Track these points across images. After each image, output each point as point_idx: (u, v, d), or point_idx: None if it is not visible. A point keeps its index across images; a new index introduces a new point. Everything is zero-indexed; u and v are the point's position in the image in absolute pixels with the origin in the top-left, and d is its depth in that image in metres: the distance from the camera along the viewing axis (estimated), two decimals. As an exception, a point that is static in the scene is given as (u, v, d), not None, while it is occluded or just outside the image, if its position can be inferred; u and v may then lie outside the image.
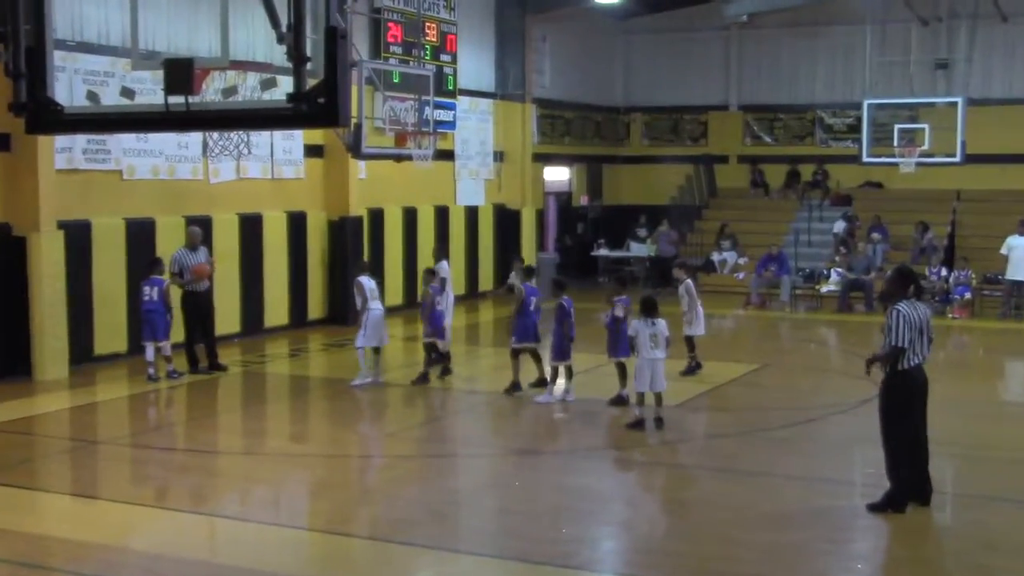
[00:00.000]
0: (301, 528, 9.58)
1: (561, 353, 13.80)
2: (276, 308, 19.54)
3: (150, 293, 15.09)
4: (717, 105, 30.58)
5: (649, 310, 12.39)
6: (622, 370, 13.42)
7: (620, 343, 13.25)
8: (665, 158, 30.81)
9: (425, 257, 22.03)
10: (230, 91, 8.01)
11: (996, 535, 9.18)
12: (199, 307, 15.80)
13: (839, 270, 23.92)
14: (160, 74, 7.25)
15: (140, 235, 17.03)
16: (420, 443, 12.55)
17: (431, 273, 15.27)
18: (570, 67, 28.89)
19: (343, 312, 20.31)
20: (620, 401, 13.42)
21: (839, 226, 26.21)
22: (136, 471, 11.33)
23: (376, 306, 15.05)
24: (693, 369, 15.37)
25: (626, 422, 12.46)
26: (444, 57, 23.26)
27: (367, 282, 15.09)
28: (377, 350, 15.21)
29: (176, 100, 7.20)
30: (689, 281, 15.44)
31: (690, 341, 15.34)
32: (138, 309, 15.38)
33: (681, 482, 10.85)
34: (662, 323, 12.37)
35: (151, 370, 15.10)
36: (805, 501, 10.14)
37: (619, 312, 13.48)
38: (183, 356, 15.66)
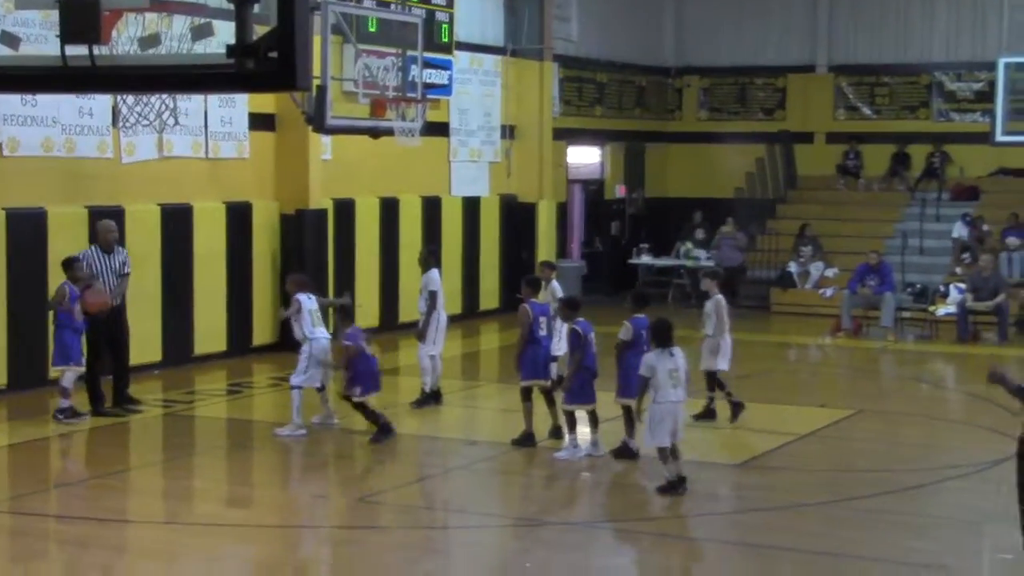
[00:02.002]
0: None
1: (577, 394, 13.74)
2: (210, 331, 19.57)
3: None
4: (800, 66, 30.62)
5: (663, 338, 12.35)
6: (627, 414, 13.51)
7: (629, 379, 13.27)
8: (729, 136, 30.87)
9: (409, 263, 22.06)
10: (150, 40, 8.01)
11: None
12: (108, 326, 15.85)
13: (960, 286, 23.88)
14: (54, 16, 7.26)
15: (25, 230, 17.07)
16: (400, 510, 12.52)
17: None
18: (605, 14, 28.97)
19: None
20: (626, 453, 13.58)
21: (959, 230, 26.19)
22: (17, 546, 11.32)
23: (320, 333, 15.05)
24: (713, 412, 15.49)
25: (656, 486, 12.46)
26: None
27: (307, 302, 15.08)
28: (321, 389, 15.25)
29: (76, 51, 7.20)
30: (720, 296, 15.55)
31: (713, 377, 15.44)
32: (39, 325, 15.43)
33: (742, 567, 10.82)
34: (680, 354, 12.39)
35: (65, 403, 15.14)
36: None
37: (624, 335, 13.59)
38: (82, 391, 15.68)
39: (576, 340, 13.63)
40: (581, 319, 13.84)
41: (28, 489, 13.07)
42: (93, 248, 15.91)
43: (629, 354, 13.35)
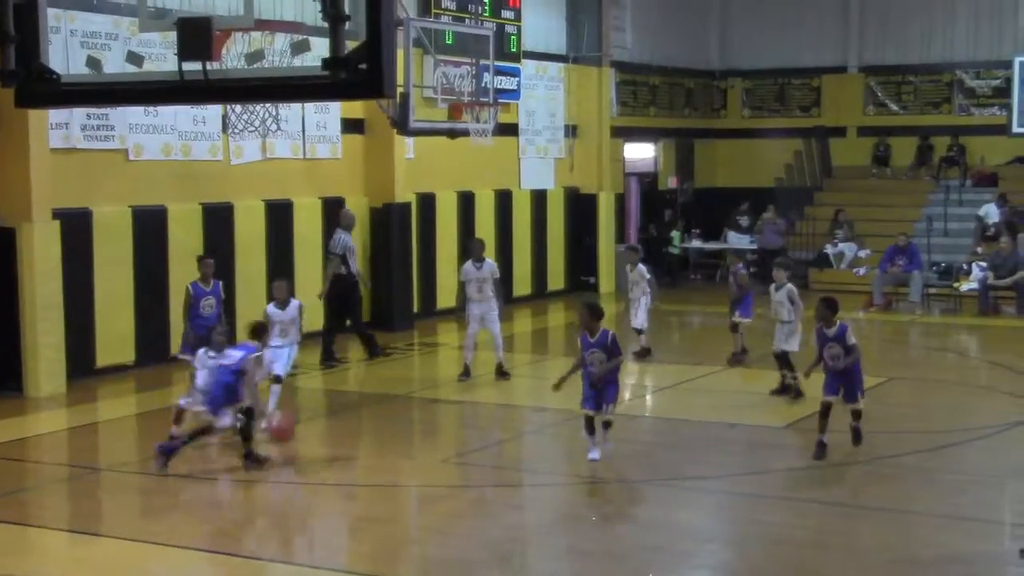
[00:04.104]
0: (337, 570, 9.64)
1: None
2: (310, 311, 19.60)
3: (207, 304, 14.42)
4: (833, 67, 30.29)
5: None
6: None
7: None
8: (770, 131, 30.61)
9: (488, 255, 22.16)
10: (255, 56, 8.05)
11: None
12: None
13: (982, 264, 23.57)
14: (172, 36, 7.33)
15: (149, 225, 17.27)
16: (478, 470, 12.58)
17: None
18: (656, 24, 28.79)
19: (388, 315, 20.45)
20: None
21: (988, 209, 25.76)
22: (146, 503, 11.48)
23: (275, 342, 13.61)
24: (788, 388, 15.00)
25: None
26: (506, 14, 23.30)
27: (275, 314, 13.73)
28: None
29: (191, 67, 7.27)
30: (791, 285, 15.05)
31: (785, 357, 14.94)
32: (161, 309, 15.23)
33: (792, 518, 10.75)
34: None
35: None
36: (942, 544, 10.00)
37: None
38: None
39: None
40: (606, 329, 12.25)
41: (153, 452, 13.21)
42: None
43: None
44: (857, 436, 12.50)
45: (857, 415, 12.48)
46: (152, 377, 16.56)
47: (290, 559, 9.90)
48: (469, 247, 17.23)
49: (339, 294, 17.88)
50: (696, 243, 28.50)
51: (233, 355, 12.03)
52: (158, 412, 14.95)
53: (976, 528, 10.41)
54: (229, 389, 11.83)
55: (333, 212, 20.07)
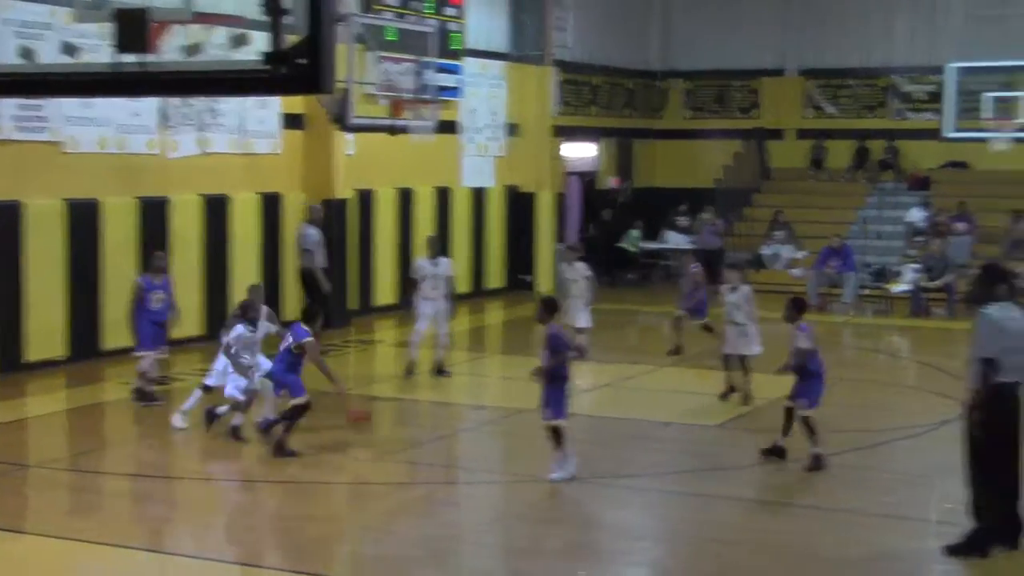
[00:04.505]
0: (272, 568, 9.61)
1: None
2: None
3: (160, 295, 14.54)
4: (772, 70, 30.55)
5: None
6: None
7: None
8: (709, 133, 30.80)
9: (423, 252, 22.11)
10: (193, 49, 8.00)
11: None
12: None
13: (914, 267, 23.88)
14: (108, 27, 7.26)
15: (82, 219, 17.09)
16: (415, 468, 12.58)
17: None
18: (598, 24, 28.88)
19: (326, 312, 20.29)
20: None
21: (914, 214, 26.16)
22: (75, 500, 11.38)
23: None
24: (735, 392, 14.95)
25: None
26: (449, 11, 23.29)
27: (240, 330, 13.20)
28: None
29: (128, 59, 7.21)
30: (747, 287, 14.87)
31: (742, 361, 14.78)
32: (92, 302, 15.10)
33: (724, 517, 10.85)
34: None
35: (145, 385, 14.51)
36: (870, 541, 10.13)
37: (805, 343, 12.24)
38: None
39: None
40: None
41: (85, 447, 13.12)
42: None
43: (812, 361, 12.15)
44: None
45: (790, 415, 12.21)
46: (84, 372, 16.40)
47: (224, 557, 9.85)
48: (427, 243, 17.11)
49: (308, 287, 18.05)
50: (623, 244, 28.59)
51: (289, 338, 12.39)
52: (89, 408, 14.84)
53: (904, 526, 10.56)
54: (293, 368, 12.30)
55: (271, 208, 20.02)
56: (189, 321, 18.14)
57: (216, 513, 11.12)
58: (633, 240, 28.12)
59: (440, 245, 16.75)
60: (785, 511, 10.99)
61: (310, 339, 12.36)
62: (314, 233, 18.95)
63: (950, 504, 10.27)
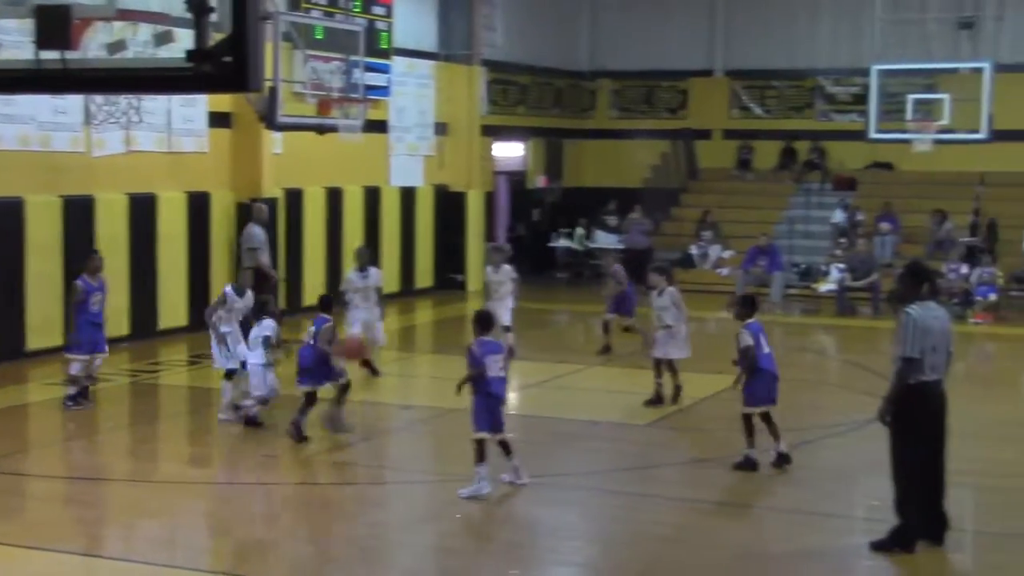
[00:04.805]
0: (200, 570, 9.51)
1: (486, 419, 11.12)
2: (172, 307, 19.39)
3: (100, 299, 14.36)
4: (699, 70, 30.74)
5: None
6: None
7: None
8: (637, 133, 30.94)
9: (352, 247, 22.00)
10: (117, 46, 7.89)
11: (1020, 579, 9.32)
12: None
13: (840, 266, 24.14)
14: (29, 23, 7.14)
15: (5, 218, 16.82)
16: (344, 468, 12.51)
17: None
18: (527, 23, 28.91)
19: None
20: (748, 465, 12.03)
21: (838, 216, 26.46)
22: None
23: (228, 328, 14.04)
24: (674, 397, 14.78)
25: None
26: (377, 10, 23.19)
27: (233, 297, 14.06)
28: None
29: (50, 55, 7.09)
30: (673, 289, 14.70)
31: (670, 365, 14.62)
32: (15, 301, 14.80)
33: (653, 515, 10.88)
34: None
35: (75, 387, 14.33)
36: (797, 539, 10.21)
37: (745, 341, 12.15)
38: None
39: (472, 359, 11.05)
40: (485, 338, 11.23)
41: (9, 449, 12.91)
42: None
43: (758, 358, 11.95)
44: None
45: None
46: (8, 374, 16.14)
47: (151, 559, 9.72)
48: (355, 255, 16.78)
49: (256, 287, 17.91)
50: (564, 242, 28.68)
51: (312, 330, 12.90)
52: (11, 410, 14.60)
53: (830, 523, 10.66)
54: (323, 360, 12.78)
55: (199, 207, 19.85)
56: (116, 322, 17.93)
57: (144, 516, 10.97)
58: (579, 238, 28.15)
59: (368, 256, 16.60)
60: (714, 509, 11.05)
61: (329, 324, 12.88)
62: (260, 232, 18.88)
63: (876, 501, 10.38)
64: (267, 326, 13.33)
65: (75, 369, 14.23)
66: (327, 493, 11.57)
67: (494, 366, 10.88)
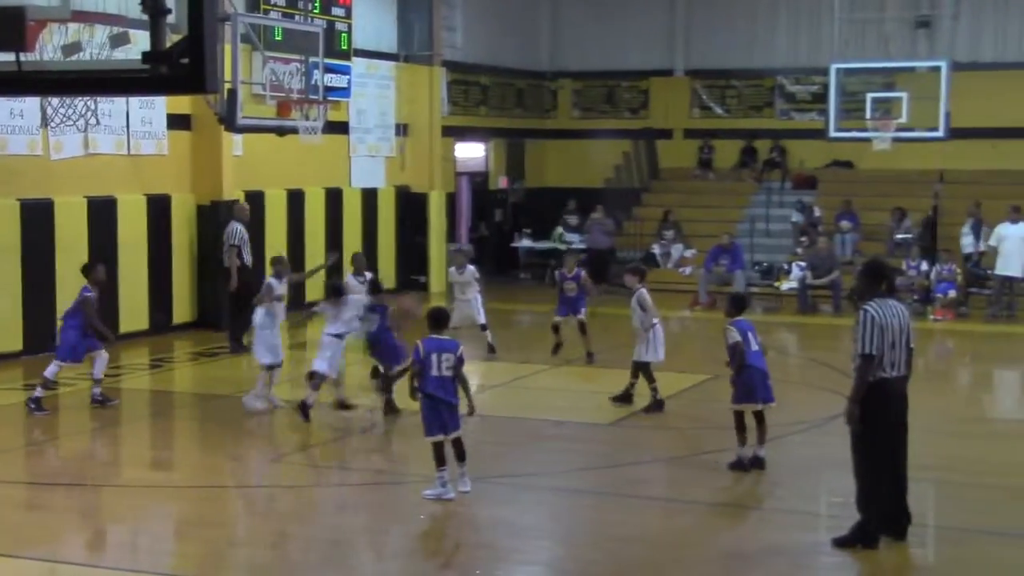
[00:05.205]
0: (164, 575, 9.45)
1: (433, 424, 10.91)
2: (133, 311, 19.26)
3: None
4: (660, 70, 30.81)
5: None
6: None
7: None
8: (599, 133, 30.98)
9: (314, 253, 21.97)
10: (72, 48, 7.85)
11: (980, 574, 9.35)
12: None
13: (801, 264, 24.25)
14: (-16, 26, 7.06)
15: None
16: (305, 470, 12.46)
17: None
18: (487, 24, 28.90)
19: (215, 315, 20.07)
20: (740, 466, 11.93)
21: (795, 216, 26.62)
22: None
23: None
24: (630, 397, 14.65)
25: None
26: (336, 11, 23.11)
27: (275, 285, 14.68)
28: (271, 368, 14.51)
29: (5, 58, 7.03)
30: (643, 290, 14.62)
31: (646, 368, 14.43)
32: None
33: (619, 515, 10.88)
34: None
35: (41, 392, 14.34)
36: (760, 535, 10.24)
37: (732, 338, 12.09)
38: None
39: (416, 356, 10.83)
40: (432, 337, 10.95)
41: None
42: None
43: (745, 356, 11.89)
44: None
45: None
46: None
47: (113, 564, 9.64)
48: (351, 260, 16.96)
49: (241, 283, 18.11)
50: (527, 242, 28.68)
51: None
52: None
53: (793, 519, 10.70)
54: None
55: (159, 210, 19.74)
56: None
57: (105, 520, 10.89)
58: (558, 237, 28.05)
59: (366, 261, 16.91)
60: (679, 507, 11.06)
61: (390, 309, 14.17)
62: (241, 230, 18.79)
63: (838, 497, 10.43)
64: (357, 301, 14.07)
65: (51, 372, 14.27)
66: (292, 496, 11.52)
67: (440, 365, 10.66)
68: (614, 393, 14.80)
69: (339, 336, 13.92)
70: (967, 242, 24.09)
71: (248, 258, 18.84)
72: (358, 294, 15.69)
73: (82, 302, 14.38)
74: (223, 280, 18.88)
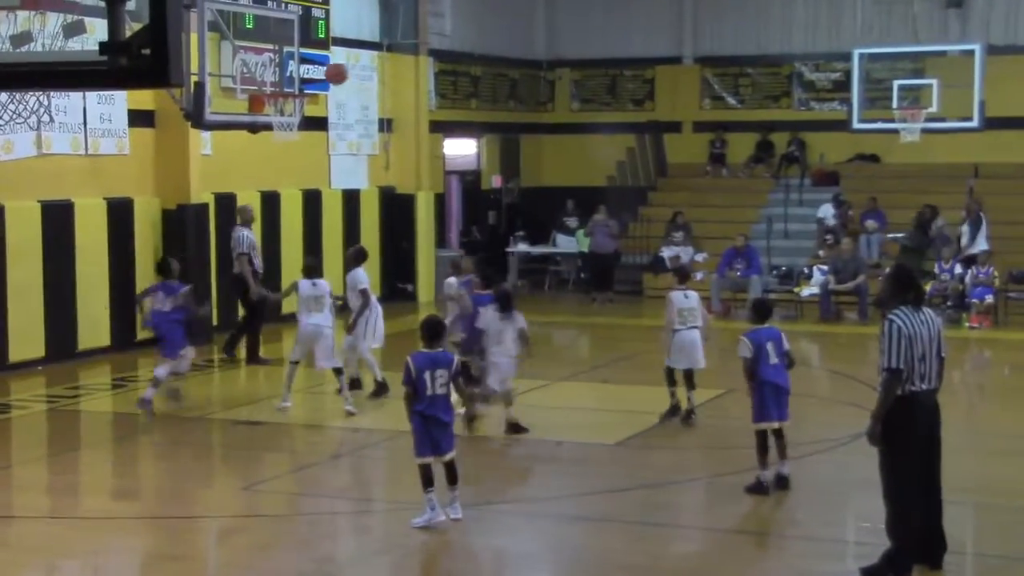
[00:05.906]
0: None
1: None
2: (93, 325, 19.24)
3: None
4: (667, 58, 30.85)
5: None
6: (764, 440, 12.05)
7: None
8: (601, 126, 31.02)
9: (292, 259, 21.94)
10: (22, 38, 7.84)
11: (1024, 604, 9.36)
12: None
13: (823, 268, 24.24)
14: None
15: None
16: (286, 498, 12.44)
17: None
18: (478, 9, 28.95)
19: (189, 328, 20.05)
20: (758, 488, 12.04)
21: (825, 211, 26.53)
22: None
23: (305, 319, 15.56)
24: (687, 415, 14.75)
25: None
26: (313, -5, 23.16)
27: (304, 286, 15.70)
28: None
29: (-51, 50, 7.03)
30: (670, 293, 14.87)
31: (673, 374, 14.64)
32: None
33: (624, 542, 10.86)
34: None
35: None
36: (780, 565, 10.23)
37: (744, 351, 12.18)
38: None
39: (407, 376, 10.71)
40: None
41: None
42: None
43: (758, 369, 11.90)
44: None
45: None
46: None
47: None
48: (352, 253, 17.34)
49: (244, 296, 18.52)
50: (522, 247, 28.68)
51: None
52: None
53: (817, 547, 10.67)
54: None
55: (120, 214, 19.72)
56: (30, 342, 17.83)
57: (67, 555, 10.86)
58: (581, 240, 27.92)
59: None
60: (687, 534, 11.05)
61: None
62: (249, 235, 18.86)
63: (866, 522, 10.41)
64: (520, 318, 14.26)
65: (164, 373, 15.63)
66: (268, 525, 11.50)
67: (434, 383, 10.57)
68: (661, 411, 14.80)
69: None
70: (964, 241, 24.09)
71: (259, 264, 18.97)
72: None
73: (185, 294, 15.73)
74: (236, 291, 19.26)
